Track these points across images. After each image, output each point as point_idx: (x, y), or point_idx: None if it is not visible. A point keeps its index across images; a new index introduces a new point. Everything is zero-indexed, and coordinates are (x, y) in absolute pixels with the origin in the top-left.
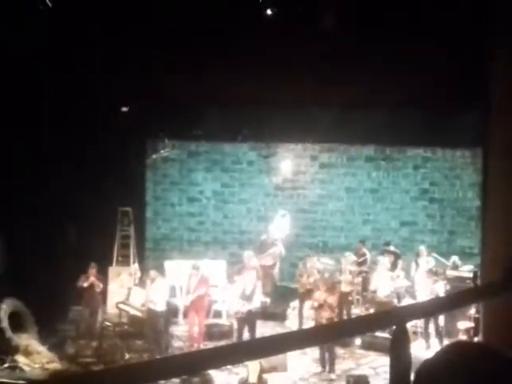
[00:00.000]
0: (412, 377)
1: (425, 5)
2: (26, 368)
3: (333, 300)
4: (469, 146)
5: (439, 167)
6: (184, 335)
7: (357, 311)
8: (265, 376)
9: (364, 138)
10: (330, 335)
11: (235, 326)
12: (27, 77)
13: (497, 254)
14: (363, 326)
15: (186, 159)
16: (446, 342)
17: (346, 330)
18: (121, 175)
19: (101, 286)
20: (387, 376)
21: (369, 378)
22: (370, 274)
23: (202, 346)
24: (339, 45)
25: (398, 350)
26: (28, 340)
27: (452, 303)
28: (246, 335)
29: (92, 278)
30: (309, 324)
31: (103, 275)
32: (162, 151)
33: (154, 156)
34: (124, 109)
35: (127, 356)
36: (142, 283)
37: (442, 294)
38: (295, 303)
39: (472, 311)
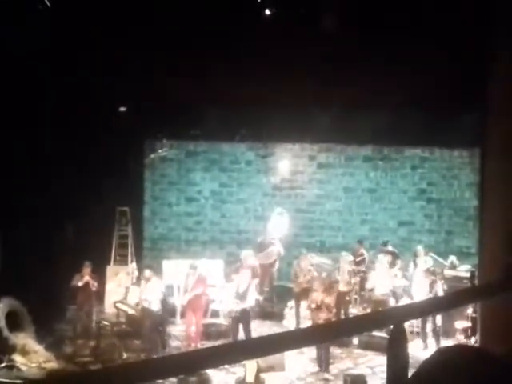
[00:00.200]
0: (409, 376)
1: (426, 6)
2: (23, 367)
3: (330, 300)
4: (466, 146)
5: (437, 167)
6: (181, 335)
7: (354, 311)
8: (262, 375)
9: (362, 138)
10: (328, 335)
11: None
12: (29, 78)
13: (494, 254)
14: (361, 325)
15: (184, 159)
16: (444, 341)
17: (343, 330)
18: (119, 175)
19: (96, 284)
20: (384, 375)
21: (366, 378)
22: (367, 273)
23: (199, 346)
24: (340, 46)
25: (395, 349)
26: (25, 339)
27: (449, 303)
28: (241, 335)
29: (87, 277)
30: (306, 323)
31: (101, 274)
32: (160, 151)
33: (152, 156)
34: (122, 108)
35: (125, 355)
36: (139, 283)
37: (439, 293)
38: (292, 303)
39: (469, 311)
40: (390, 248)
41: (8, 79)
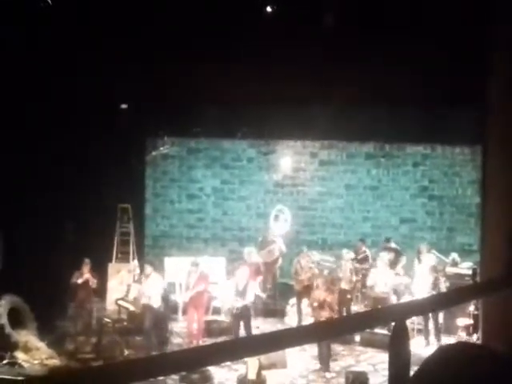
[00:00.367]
0: (411, 375)
1: (426, 6)
2: (25, 364)
3: (332, 299)
4: (468, 143)
5: (439, 164)
6: (183, 332)
7: (355, 308)
8: (264, 372)
9: (364, 135)
10: (330, 332)
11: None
12: (29, 78)
13: (496, 251)
14: (363, 322)
15: (186, 156)
16: (445, 338)
17: (345, 327)
18: (120, 172)
19: (95, 282)
20: (386, 372)
21: (368, 375)
22: (369, 271)
23: (201, 343)
24: (341, 46)
25: (397, 346)
26: (27, 336)
27: (451, 300)
28: (242, 332)
29: (86, 275)
30: (308, 321)
31: (103, 272)
32: (162, 148)
33: (153, 153)
34: (123, 106)
35: (126, 352)
36: (141, 280)
37: (441, 290)
38: (294, 300)
39: (471, 308)
40: (392, 245)
41: (8, 79)
